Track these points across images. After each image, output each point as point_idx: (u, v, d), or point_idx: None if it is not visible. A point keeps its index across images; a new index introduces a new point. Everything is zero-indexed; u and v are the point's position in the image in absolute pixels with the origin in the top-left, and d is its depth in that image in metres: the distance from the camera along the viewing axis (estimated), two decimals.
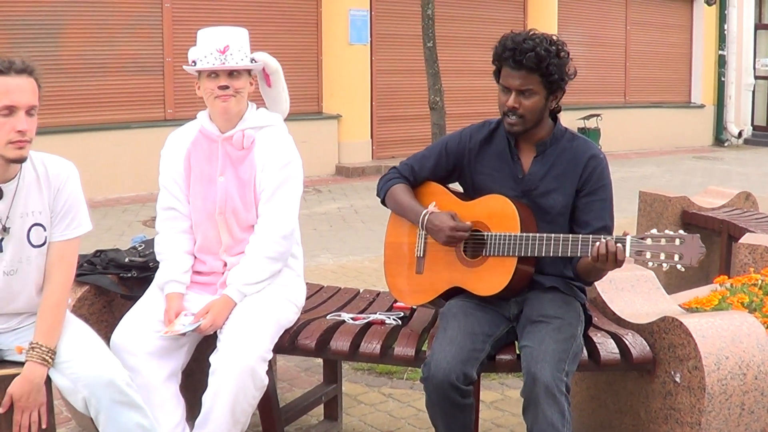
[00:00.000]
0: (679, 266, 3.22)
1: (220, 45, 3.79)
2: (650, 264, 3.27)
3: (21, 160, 3.25)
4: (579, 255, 3.42)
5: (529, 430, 3.32)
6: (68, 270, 3.45)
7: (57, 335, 3.32)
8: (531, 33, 3.58)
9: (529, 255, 3.51)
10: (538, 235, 3.49)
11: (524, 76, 3.54)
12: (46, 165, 3.41)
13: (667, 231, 3.26)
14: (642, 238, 3.28)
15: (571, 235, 3.45)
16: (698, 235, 3.23)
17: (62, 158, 3.49)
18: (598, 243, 3.33)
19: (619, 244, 3.31)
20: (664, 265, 3.23)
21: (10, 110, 3.15)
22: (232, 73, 3.82)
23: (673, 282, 6.35)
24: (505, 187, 3.67)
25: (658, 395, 3.69)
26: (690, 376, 3.49)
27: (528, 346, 3.42)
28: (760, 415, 3.54)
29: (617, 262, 3.33)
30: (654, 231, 3.29)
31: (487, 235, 3.61)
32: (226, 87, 3.81)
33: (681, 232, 3.25)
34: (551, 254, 3.47)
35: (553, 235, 3.46)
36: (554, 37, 3.60)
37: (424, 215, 3.71)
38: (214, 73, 3.81)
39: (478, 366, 3.46)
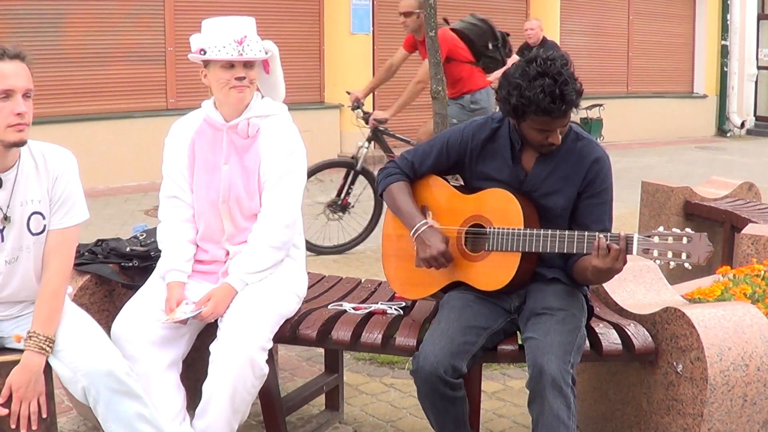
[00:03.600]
0: (686, 265, 3.21)
1: (237, 35, 3.76)
2: (657, 262, 3.26)
3: (21, 144, 3.27)
4: (584, 252, 3.40)
5: (534, 422, 3.31)
6: (66, 258, 3.45)
7: (55, 323, 3.32)
8: (552, 69, 3.40)
9: (532, 251, 3.50)
10: (542, 231, 3.47)
11: (566, 115, 3.47)
12: (45, 154, 3.42)
13: (674, 229, 3.25)
14: (649, 236, 3.26)
15: (576, 232, 3.43)
16: (706, 233, 3.22)
17: (61, 147, 3.51)
18: (598, 238, 3.32)
19: (614, 244, 3.29)
20: (672, 263, 3.22)
21: (8, 94, 3.18)
22: (246, 64, 3.81)
23: (676, 273, 6.31)
24: (507, 187, 3.64)
25: (660, 386, 3.69)
26: (692, 367, 3.48)
27: (533, 337, 3.41)
28: (763, 407, 3.53)
29: (618, 260, 3.30)
30: (661, 229, 3.27)
31: (490, 230, 3.59)
32: (243, 78, 3.80)
33: (688, 230, 3.24)
34: (555, 251, 3.45)
35: (558, 231, 3.45)
36: (564, 57, 3.47)
37: (421, 226, 3.68)
38: (229, 64, 3.80)
39: (470, 359, 3.45)
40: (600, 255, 3.31)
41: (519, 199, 3.57)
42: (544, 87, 3.36)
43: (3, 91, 3.17)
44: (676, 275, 5.81)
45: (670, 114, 19.73)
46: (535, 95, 3.37)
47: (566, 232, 3.44)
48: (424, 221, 3.70)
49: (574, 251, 3.43)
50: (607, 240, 3.31)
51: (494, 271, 3.59)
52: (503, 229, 3.55)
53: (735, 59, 20.73)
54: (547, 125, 3.46)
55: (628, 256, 3.33)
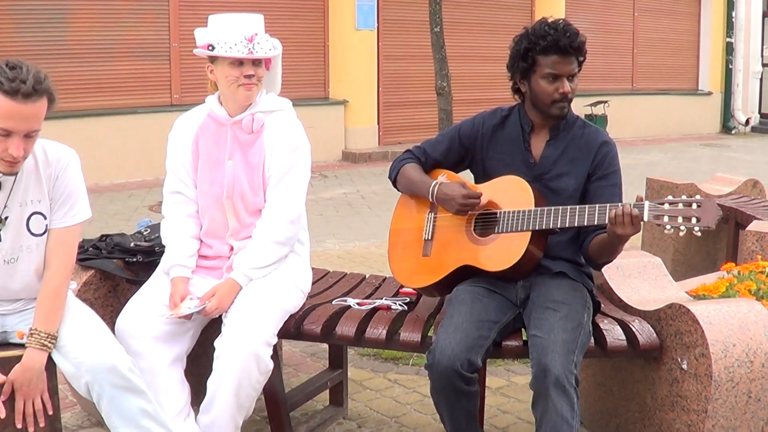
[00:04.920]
0: (696, 229, 3.22)
1: (248, 33, 3.76)
2: (668, 228, 3.27)
3: (11, 174, 3.24)
4: (595, 223, 3.41)
5: (538, 422, 3.30)
6: (68, 256, 3.44)
7: (57, 320, 3.31)
8: (557, 20, 3.65)
9: (544, 228, 3.50)
10: (552, 207, 3.49)
11: (573, 60, 3.61)
12: (46, 151, 3.39)
13: (684, 197, 3.27)
14: (660, 203, 3.29)
15: (587, 206, 3.45)
16: (714, 199, 3.23)
17: (62, 144, 3.47)
18: (615, 208, 3.34)
19: (635, 209, 3.32)
20: (682, 228, 3.23)
21: (8, 133, 3.09)
22: (255, 61, 3.81)
23: (680, 269, 6.34)
24: (517, 172, 3.68)
25: (664, 382, 3.68)
26: (697, 364, 3.48)
27: (537, 336, 3.40)
28: (767, 403, 3.53)
29: (633, 224, 3.33)
30: (670, 197, 3.30)
31: (500, 213, 3.61)
32: (252, 75, 3.81)
33: (698, 197, 3.27)
34: (566, 225, 3.46)
35: (568, 206, 3.47)
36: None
37: (435, 185, 3.74)
38: (238, 61, 3.79)
39: (484, 353, 3.45)
40: (617, 222, 3.33)
41: (530, 184, 3.61)
42: (548, 23, 3.62)
43: (2, 128, 3.08)
44: (680, 272, 5.81)
45: (675, 111, 19.73)
46: (540, 29, 3.62)
47: (576, 206, 3.47)
48: (434, 182, 3.77)
49: (585, 223, 3.44)
50: (618, 207, 3.35)
51: (502, 252, 3.59)
52: (514, 210, 3.56)
53: (740, 56, 20.71)
54: (556, 66, 3.60)
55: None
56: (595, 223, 3.42)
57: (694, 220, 3.22)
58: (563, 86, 3.60)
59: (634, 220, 3.32)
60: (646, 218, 3.31)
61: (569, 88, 3.61)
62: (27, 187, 3.34)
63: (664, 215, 3.27)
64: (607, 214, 3.36)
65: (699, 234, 3.27)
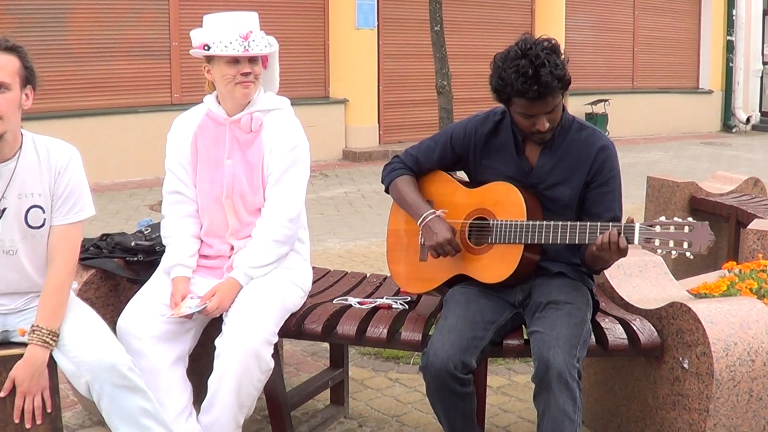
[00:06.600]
0: (688, 254, 3.20)
1: (243, 31, 3.76)
2: (659, 251, 3.25)
3: None
4: (586, 242, 3.40)
5: (540, 416, 3.30)
6: (71, 254, 3.44)
7: (59, 318, 3.32)
8: (532, 52, 3.38)
9: (535, 242, 3.49)
10: (544, 222, 3.47)
11: (550, 99, 3.42)
12: (48, 148, 3.41)
13: (675, 218, 3.25)
14: (651, 226, 3.25)
15: (578, 223, 3.42)
16: (707, 222, 3.21)
17: (65, 142, 3.49)
18: (602, 234, 3.31)
19: (622, 236, 3.28)
20: (673, 252, 3.21)
21: None
22: (251, 59, 3.81)
23: (681, 268, 6.33)
24: (512, 181, 3.63)
25: (665, 381, 3.68)
26: (698, 362, 3.47)
27: (539, 331, 3.40)
28: None
29: (620, 251, 3.31)
30: (663, 218, 3.27)
31: (493, 223, 3.59)
32: (249, 73, 3.80)
33: (690, 219, 3.23)
34: (558, 242, 3.44)
35: (560, 222, 3.44)
36: (550, 42, 3.45)
37: (429, 215, 3.67)
38: (234, 59, 3.79)
39: (479, 354, 3.44)
40: (603, 248, 3.32)
41: (522, 192, 3.57)
42: (519, 68, 3.37)
43: None
44: (682, 270, 5.81)
45: (676, 109, 19.71)
46: (508, 76, 3.40)
47: (568, 223, 3.43)
48: (432, 211, 3.69)
49: (576, 241, 3.42)
50: (608, 228, 3.32)
51: (497, 264, 3.58)
52: (506, 221, 3.54)
53: (740, 55, 20.68)
54: (528, 109, 3.45)
55: (631, 249, 3.33)
56: (586, 242, 3.40)
57: (685, 245, 3.19)
58: (540, 124, 3.47)
59: (621, 251, 3.30)
60: (636, 242, 3.27)
61: (546, 126, 3.48)
62: (26, 180, 3.35)
63: (655, 238, 3.24)
64: (597, 236, 3.34)
65: (691, 257, 3.25)
